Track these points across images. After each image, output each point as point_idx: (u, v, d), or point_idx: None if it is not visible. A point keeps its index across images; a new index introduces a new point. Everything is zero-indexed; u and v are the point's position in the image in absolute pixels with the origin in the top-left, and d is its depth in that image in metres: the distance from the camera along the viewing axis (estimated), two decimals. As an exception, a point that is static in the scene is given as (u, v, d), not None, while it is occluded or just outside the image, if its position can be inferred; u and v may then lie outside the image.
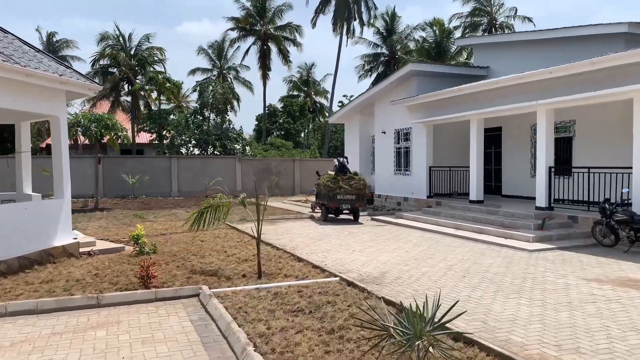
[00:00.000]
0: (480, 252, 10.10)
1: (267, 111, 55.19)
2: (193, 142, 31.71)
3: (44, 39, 52.57)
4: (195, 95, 36.68)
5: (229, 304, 5.74)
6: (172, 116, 31.71)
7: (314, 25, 48.34)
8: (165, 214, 18.02)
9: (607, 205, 10.32)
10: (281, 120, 54.18)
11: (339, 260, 9.04)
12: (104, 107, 39.42)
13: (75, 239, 9.88)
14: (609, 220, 10.23)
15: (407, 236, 12.47)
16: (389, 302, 5.79)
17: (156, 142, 32.36)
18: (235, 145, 33.20)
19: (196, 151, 32.57)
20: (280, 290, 6.29)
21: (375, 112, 21.04)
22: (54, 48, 53.72)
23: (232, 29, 49.31)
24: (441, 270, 8.20)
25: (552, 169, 12.92)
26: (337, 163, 16.23)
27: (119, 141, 21.19)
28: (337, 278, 7.02)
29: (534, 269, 8.29)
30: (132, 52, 37.90)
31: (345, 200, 15.40)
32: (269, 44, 49.95)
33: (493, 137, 18.09)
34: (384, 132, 20.29)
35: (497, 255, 9.71)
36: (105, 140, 21.29)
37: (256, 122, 56.06)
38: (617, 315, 5.71)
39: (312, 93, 61.24)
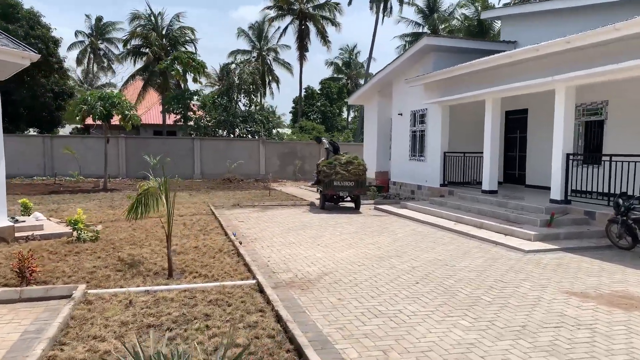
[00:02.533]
0: (464, 251, 8.68)
1: (304, 94, 54.19)
2: (213, 123, 31.16)
3: (92, 24, 53.92)
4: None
5: (85, 311, 4.77)
6: (195, 97, 31.26)
7: (349, 2, 46.54)
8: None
9: (621, 201, 8.59)
10: (319, 103, 53.04)
11: (289, 257, 7.93)
12: (136, 87, 39.74)
13: (17, 221, 9.27)
14: (625, 219, 8.51)
15: (398, 229, 11.15)
16: (279, 319, 4.63)
17: (180, 123, 32.11)
18: (261, 128, 32.40)
19: (223, 134, 32.06)
20: (167, 295, 5.28)
21: (393, 92, 19.50)
22: (101, 32, 55.07)
23: (269, 7, 48.43)
24: (397, 274, 6.92)
25: (570, 157, 11.14)
26: (327, 145, 15.01)
27: (129, 122, 20.72)
28: (254, 281, 5.92)
29: (512, 276, 6.85)
30: (163, 32, 37.76)
31: (342, 187, 14.17)
32: (307, 23, 48.70)
33: (518, 120, 16.22)
34: (401, 114, 18.76)
35: (481, 255, 8.28)
36: (115, 120, 20.97)
37: (293, 105, 55.22)
38: (575, 349, 4.30)
39: (354, 75, 59.55)
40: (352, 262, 7.57)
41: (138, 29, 37.18)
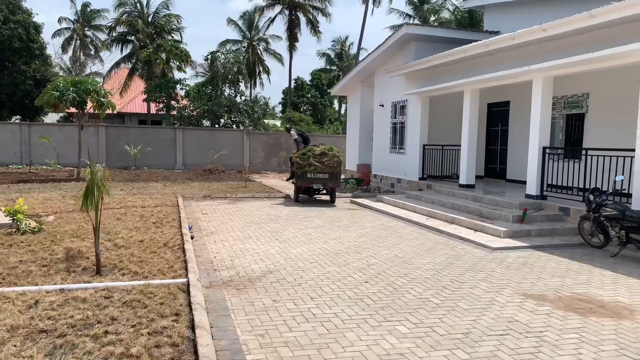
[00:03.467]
0: (429, 247, 8.25)
1: (295, 85, 53.55)
2: (197, 112, 30.55)
3: (78, 9, 52.81)
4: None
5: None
6: (179, 86, 30.60)
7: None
8: (141, 187, 16.90)
9: (592, 197, 8.16)
10: (309, 95, 52.44)
11: (240, 252, 7.47)
12: (122, 75, 39.00)
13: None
14: (596, 215, 8.10)
15: (368, 223, 10.71)
16: (193, 325, 4.16)
17: (162, 112, 31.48)
18: (246, 118, 31.82)
19: (207, 123, 31.46)
20: (80, 295, 4.80)
21: (375, 82, 18.99)
22: (88, 18, 53.98)
23: (258, -3, 47.62)
24: (348, 272, 6.47)
25: (547, 150, 10.72)
26: (296, 136, 14.54)
27: (104, 109, 20.08)
28: (184, 280, 5.45)
29: (470, 276, 6.42)
30: (149, 20, 37.00)
31: (316, 179, 13.69)
32: (297, 13, 47.99)
33: (500, 113, 15.79)
34: (382, 105, 18.27)
35: (445, 253, 7.84)
36: (89, 107, 20.34)
37: (282, 96, 54.57)
38: (519, 361, 3.87)
39: (346, 67, 58.86)
40: (304, 259, 7.11)
41: (124, 16, 36.38)
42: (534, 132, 10.74)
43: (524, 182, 13.64)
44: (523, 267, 6.97)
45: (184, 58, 29.96)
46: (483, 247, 8.36)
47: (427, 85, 14.67)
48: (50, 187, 16.07)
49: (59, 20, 50.94)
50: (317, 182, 13.72)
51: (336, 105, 58.57)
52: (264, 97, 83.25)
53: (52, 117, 44.17)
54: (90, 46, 54.21)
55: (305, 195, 14.65)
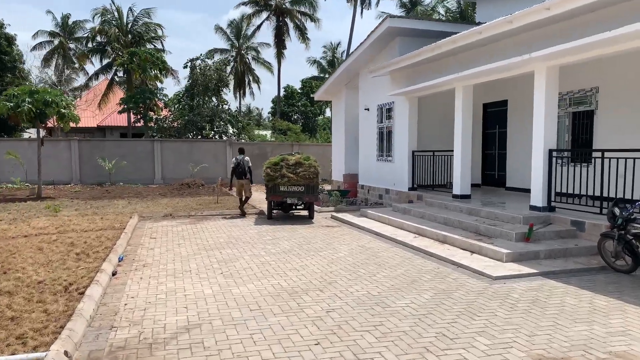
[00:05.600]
0: (413, 278, 6.54)
1: (284, 93, 52.02)
2: (179, 123, 28.92)
3: (59, 21, 51.24)
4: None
5: None
6: (154, 97, 28.93)
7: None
8: (101, 205, 15.18)
9: (617, 210, 6.48)
10: (300, 103, 50.90)
11: (163, 296, 5.75)
12: (100, 88, 37.43)
13: None
14: (622, 233, 6.42)
15: (344, 245, 9.00)
16: None
17: (137, 124, 29.82)
18: (229, 128, 30.19)
19: (189, 135, 29.83)
20: None
21: (360, 84, 17.40)
22: (69, 29, 52.41)
23: (244, 4, 46.21)
24: (297, 325, 4.76)
25: (554, 153, 9.06)
26: (235, 161, 13.08)
27: (67, 122, 18.40)
28: (42, 354, 3.74)
29: (464, 325, 4.71)
30: (128, 28, 35.45)
31: (290, 193, 12.00)
32: (285, 19, 46.58)
33: (497, 114, 14.16)
34: (367, 109, 16.64)
35: (433, 286, 6.13)
36: (53, 121, 18.72)
37: (272, 105, 53.03)
38: None
39: (338, 74, 57.35)
40: (245, 304, 5.39)
41: (100, 25, 34.84)
42: (538, 132, 9.08)
43: (526, 191, 11.99)
44: (533, 308, 5.27)
45: (161, 66, 28.35)
46: (481, 275, 6.66)
47: (414, 84, 13.04)
48: (-3, 209, 14.33)
49: (35, 35, 49.13)
50: (291, 196, 12.02)
51: (328, 113, 57.05)
52: (257, 108, 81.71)
53: (30, 133, 42.38)
54: (74, 59, 52.67)
55: (280, 211, 12.96)
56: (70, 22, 50.84)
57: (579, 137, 11.10)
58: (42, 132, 35.67)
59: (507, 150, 13.68)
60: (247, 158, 13.38)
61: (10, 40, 32.28)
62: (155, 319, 4.91)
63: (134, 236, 9.93)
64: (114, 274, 6.59)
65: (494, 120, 14.31)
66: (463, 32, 10.48)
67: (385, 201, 15.20)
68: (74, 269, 6.53)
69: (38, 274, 6.28)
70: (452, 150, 12.14)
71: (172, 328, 4.64)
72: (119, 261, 7.43)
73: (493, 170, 14.56)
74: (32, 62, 76.09)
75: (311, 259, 7.76)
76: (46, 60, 50.81)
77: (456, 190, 11.71)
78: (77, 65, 52.85)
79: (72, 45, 52.20)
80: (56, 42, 50.02)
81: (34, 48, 46.70)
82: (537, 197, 9.09)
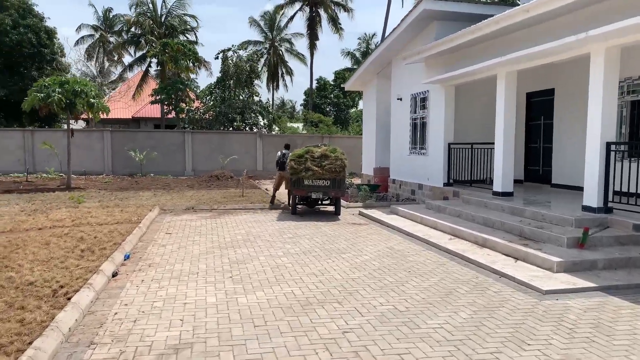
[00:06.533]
0: (447, 290, 5.68)
1: (317, 85, 51.22)
2: (210, 115, 28.57)
3: (101, 15, 51.85)
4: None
5: None
6: (185, 87, 28.61)
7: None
8: (125, 197, 14.83)
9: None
10: (332, 95, 50.01)
11: (158, 305, 5.09)
12: (135, 79, 37.58)
13: None
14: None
15: (370, 246, 8.19)
16: None
17: (169, 116, 29.63)
18: (260, 120, 29.63)
19: (220, 127, 29.49)
20: None
21: (392, 73, 16.42)
22: (110, 23, 53.09)
23: (277, -6, 45.59)
24: (305, 347, 4.00)
25: (612, 147, 7.95)
26: (279, 154, 12.48)
27: (96, 112, 18.17)
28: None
29: (511, 354, 3.83)
30: (161, 20, 35.33)
31: (314, 187, 11.24)
32: (318, 10, 45.70)
33: (543, 104, 12.98)
34: (400, 99, 15.67)
35: (471, 301, 5.26)
36: (87, 113, 18.53)
37: (304, 97, 52.33)
38: None
39: (372, 65, 56.14)
40: (249, 318, 4.67)
41: (135, 17, 34.83)
42: (594, 123, 7.99)
43: (575, 188, 10.89)
44: (597, 335, 4.33)
45: (192, 57, 28.01)
46: (528, 288, 5.74)
47: (452, 71, 12.01)
48: (22, 199, 14.14)
49: (78, 29, 49.95)
50: (316, 191, 11.26)
51: (361, 105, 56.03)
52: (291, 101, 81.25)
53: (78, 124, 42.84)
54: (114, 52, 53.26)
55: (305, 206, 12.24)
56: (110, 15, 51.41)
57: (637, 128, 9.89)
58: (83, 124, 36.24)
59: (554, 144, 12.50)
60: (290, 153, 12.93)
61: (50, 33, 32.58)
62: (144, 334, 4.24)
63: (149, 231, 9.39)
64: (114, 274, 6.00)
65: (539, 110, 13.13)
66: (508, 11, 9.41)
67: (417, 197, 14.25)
68: (72, 269, 5.96)
69: (33, 273, 5.73)
70: (493, 143, 11.10)
71: (159, 347, 3.96)
72: (125, 259, 6.85)
73: (537, 165, 13.39)
74: (74, 56, 77.56)
75: (332, 262, 6.98)
76: (88, 54, 51.60)
77: (497, 186, 10.69)
78: (116, 58, 53.48)
79: (112, 39, 52.84)
80: (97, 35, 50.66)
81: (77, 42, 47.44)
82: (592, 197, 8.01)
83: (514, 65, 9.94)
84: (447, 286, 5.85)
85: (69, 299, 4.79)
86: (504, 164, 10.53)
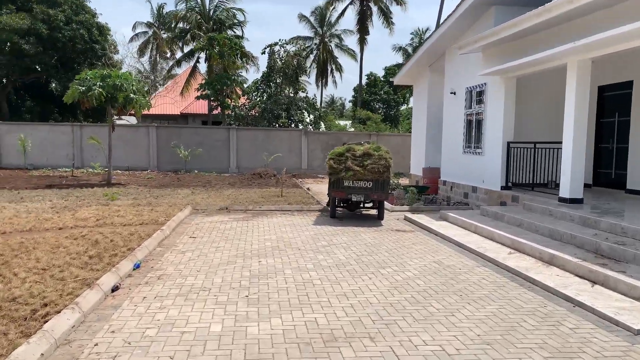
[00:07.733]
0: (509, 323, 4.56)
1: (367, 81, 49.99)
2: (256, 112, 28.05)
3: (155, 12, 52.79)
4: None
5: None
6: (231, 83, 28.20)
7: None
8: (162, 194, 14.39)
9: None
10: (382, 92, 48.66)
11: (150, 334, 4.25)
12: (183, 75, 37.74)
13: None
14: None
15: (415, 260, 7.12)
16: None
17: (215, 112, 29.35)
18: (306, 117, 28.84)
19: (265, 124, 28.97)
20: None
21: (446, 65, 15.13)
22: (163, 19, 53.94)
23: (329, -12, 44.68)
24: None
25: None
26: None
27: (137, 107, 17.91)
28: None
29: None
30: (210, 15, 35.22)
31: (355, 189, 10.23)
32: (369, 3, 44.45)
33: (617, 99, 11.42)
34: (454, 93, 14.37)
35: (541, 341, 4.14)
36: (126, 110, 18.36)
37: (353, 94, 51.21)
38: None
39: (424, 61, 54.26)
40: (259, 357, 3.75)
41: (183, 11, 34.89)
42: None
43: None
44: None
45: (239, 52, 27.57)
46: (612, 324, 4.53)
47: (513, 61, 10.67)
48: (58, 195, 13.94)
49: (134, 26, 51.00)
50: (356, 193, 10.25)
51: (411, 102, 54.33)
52: (340, 99, 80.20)
53: (131, 119, 43.64)
54: (164, 48, 54.06)
55: (345, 209, 11.27)
56: (164, 12, 52.17)
57: None
58: (134, 120, 36.77)
59: (630, 144, 10.93)
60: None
61: (101, 29, 33.12)
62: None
63: (173, 234, 8.71)
64: (114, 289, 5.25)
65: (613, 106, 11.57)
66: (583, -12, 8.04)
67: (471, 201, 12.96)
68: (68, 280, 5.27)
69: (23, 284, 5.07)
70: (560, 142, 9.71)
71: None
72: (134, 269, 6.12)
73: (609, 168, 11.83)
74: (125, 52, 79.87)
75: (368, 280, 5.98)
76: (141, 51, 52.65)
77: (564, 192, 9.32)
78: (168, 55, 54.26)
79: (164, 35, 53.68)
80: (150, 32, 51.60)
81: (131, 39, 48.48)
82: (688, 208, 6.60)
83: (588, 52, 8.55)
84: (509, 318, 4.73)
85: (46, 321, 4.04)
86: (573, 167, 9.15)
